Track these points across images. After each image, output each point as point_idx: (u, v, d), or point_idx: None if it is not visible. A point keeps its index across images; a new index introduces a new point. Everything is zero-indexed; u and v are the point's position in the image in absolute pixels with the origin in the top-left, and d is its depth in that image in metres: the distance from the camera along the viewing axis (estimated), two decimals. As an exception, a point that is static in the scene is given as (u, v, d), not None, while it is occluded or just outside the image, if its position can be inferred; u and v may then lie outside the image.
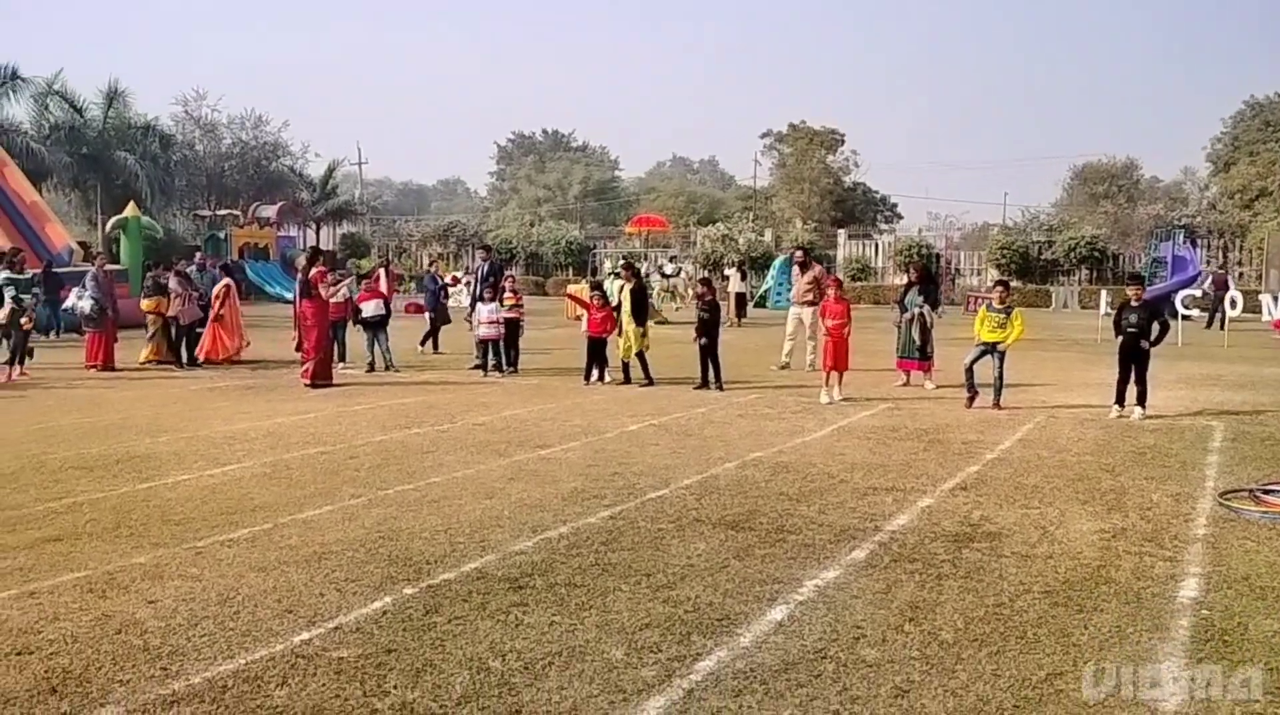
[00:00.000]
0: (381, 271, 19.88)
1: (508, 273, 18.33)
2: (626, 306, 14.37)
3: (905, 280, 14.81)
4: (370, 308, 15.96)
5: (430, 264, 20.63)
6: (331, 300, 15.02)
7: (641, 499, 7.33)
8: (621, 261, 17.12)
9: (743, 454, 8.99)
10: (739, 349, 19.12)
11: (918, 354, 13.97)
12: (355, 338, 16.57)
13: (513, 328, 15.67)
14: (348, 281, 15.85)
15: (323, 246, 45.42)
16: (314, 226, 53.12)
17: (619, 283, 14.94)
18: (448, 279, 20.09)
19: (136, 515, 6.90)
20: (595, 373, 14.42)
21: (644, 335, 14.25)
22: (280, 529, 6.59)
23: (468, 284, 24.95)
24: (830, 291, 13.12)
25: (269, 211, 44.59)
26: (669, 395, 13.06)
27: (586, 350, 14.58)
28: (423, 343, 18.44)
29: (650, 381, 14.06)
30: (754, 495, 7.46)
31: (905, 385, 14.02)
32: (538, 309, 31.79)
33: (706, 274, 41.54)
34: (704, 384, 13.67)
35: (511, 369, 15.55)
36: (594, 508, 7.07)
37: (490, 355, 15.33)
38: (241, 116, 51.55)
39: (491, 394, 13.27)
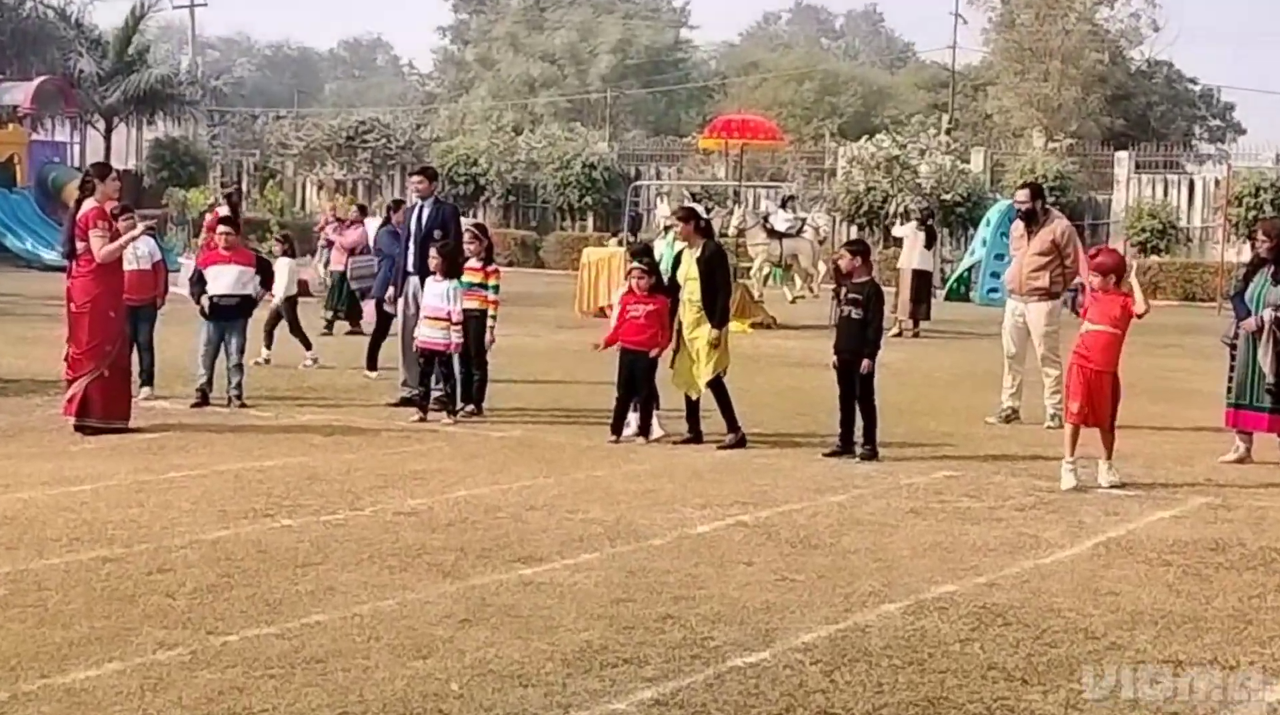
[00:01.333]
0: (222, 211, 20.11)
1: (469, 223, 18.35)
2: (690, 292, 14.47)
3: (1250, 255, 14.87)
4: (230, 280, 16.35)
5: (389, 210, 21.44)
6: (127, 266, 15.31)
7: (717, 668, 7.40)
8: (677, 206, 17.14)
9: (918, 587, 9.12)
10: (917, 380, 19.16)
11: (1269, 400, 13.93)
12: (179, 336, 17.03)
13: (476, 329, 15.91)
14: (144, 226, 16.17)
15: (115, 163, 45.81)
16: (102, 125, 53.68)
17: (678, 245, 15.27)
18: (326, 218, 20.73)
19: None
20: (634, 419, 14.62)
21: (718, 345, 14.47)
22: (23, 704, 6.61)
23: (339, 233, 26.44)
24: (1094, 279, 13.13)
25: (16, 94, 45.24)
26: (774, 466, 13.27)
27: (618, 376, 14.78)
28: (371, 362, 19.53)
29: (738, 439, 14.28)
30: (938, 668, 7.50)
31: (1243, 461, 14.10)
32: (526, 293, 31.74)
33: (858, 232, 41.44)
34: (845, 447, 13.85)
35: (470, 407, 15.82)
36: (625, 683, 7.14)
37: (436, 379, 15.57)
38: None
39: (432, 456, 13.47)
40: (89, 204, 14.75)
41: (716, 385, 14.53)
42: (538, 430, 15.24)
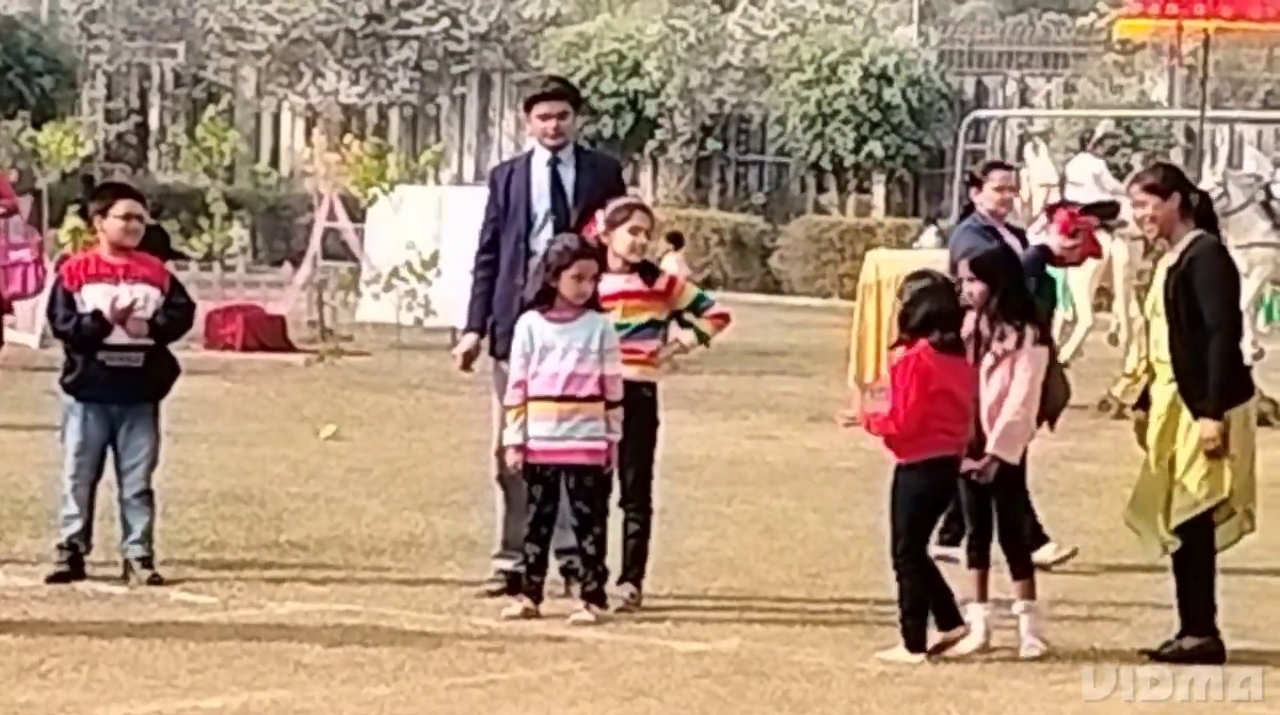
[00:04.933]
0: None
1: (621, 203, 12.28)
2: (1159, 342, 10.39)
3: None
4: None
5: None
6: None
7: None
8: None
9: None
10: None
11: None
12: (16, 436, 14.99)
13: (638, 427, 11.38)
14: None
15: None
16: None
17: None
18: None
19: None
20: (1026, 624, 10.56)
21: (1217, 452, 10.16)
22: None
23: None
24: None
25: None
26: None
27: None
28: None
29: (1206, 648, 10.32)
30: None
31: None
32: (746, 345, 23.97)
33: None
34: None
35: (630, 591, 11.51)
36: None
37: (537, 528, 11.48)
38: None
39: (555, 692, 9.38)
40: None
41: (1196, 535, 10.17)
42: (773, 641, 10.34)
